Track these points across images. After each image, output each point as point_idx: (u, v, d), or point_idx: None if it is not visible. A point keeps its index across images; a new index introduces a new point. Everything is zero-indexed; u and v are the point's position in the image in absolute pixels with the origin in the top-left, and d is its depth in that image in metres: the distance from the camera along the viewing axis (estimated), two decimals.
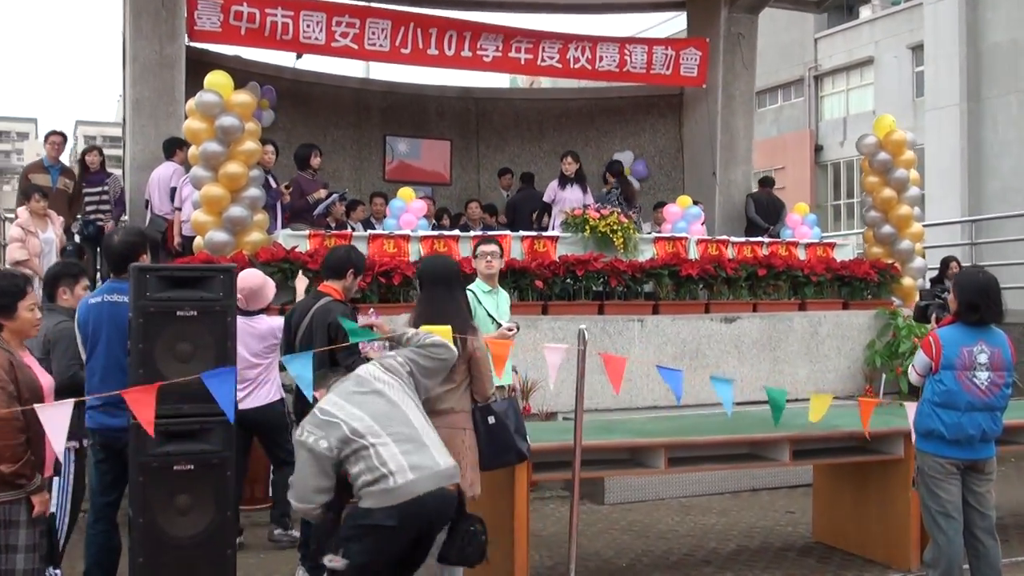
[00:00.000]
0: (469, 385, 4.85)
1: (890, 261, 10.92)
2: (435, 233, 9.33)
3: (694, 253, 10.02)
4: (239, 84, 12.77)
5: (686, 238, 10.14)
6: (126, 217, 11.06)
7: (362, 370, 4.42)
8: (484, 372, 4.85)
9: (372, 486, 4.07)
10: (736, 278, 9.81)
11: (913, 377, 5.35)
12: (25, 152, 69.02)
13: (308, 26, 11.65)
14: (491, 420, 4.82)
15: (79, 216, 10.65)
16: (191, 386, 4.57)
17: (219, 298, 4.74)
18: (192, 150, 8.77)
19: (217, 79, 8.83)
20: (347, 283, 5.66)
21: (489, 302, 6.39)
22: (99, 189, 10.56)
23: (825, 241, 11.17)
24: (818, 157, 32.35)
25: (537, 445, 5.28)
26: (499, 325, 6.16)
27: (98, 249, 10.65)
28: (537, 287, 9.01)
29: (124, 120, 11.39)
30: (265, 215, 8.97)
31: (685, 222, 10.64)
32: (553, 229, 10.40)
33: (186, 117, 8.92)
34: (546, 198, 11.29)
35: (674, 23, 27.42)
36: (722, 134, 13.34)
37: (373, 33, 12.01)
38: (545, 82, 26.35)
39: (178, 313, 4.68)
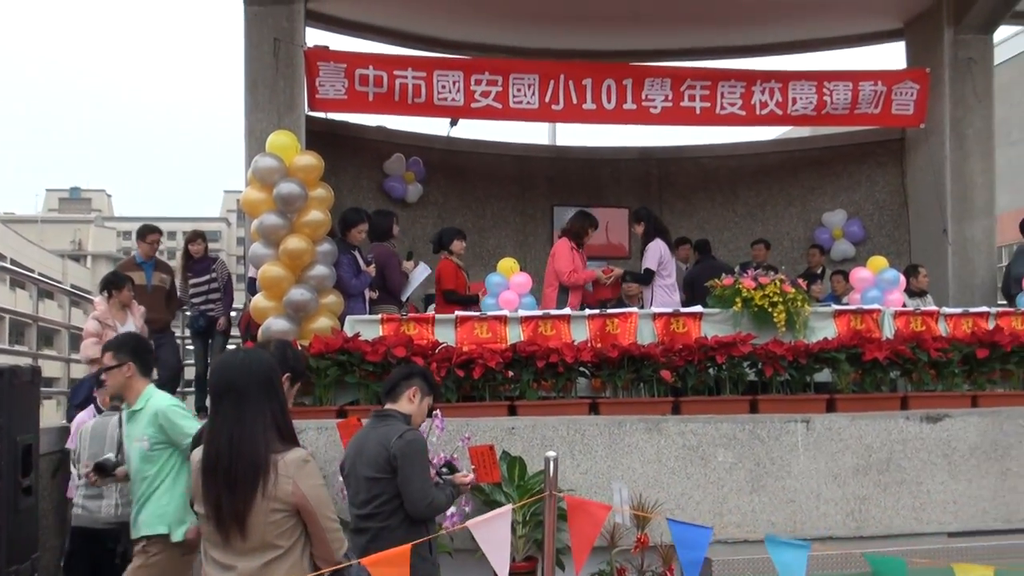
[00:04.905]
0: (307, 549, 3.07)
1: None
2: (539, 313, 7.53)
3: (890, 330, 7.68)
4: (384, 156, 11.84)
5: (879, 311, 7.80)
6: (239, 306, 10.08)
7: None
8: (326, 527, 3.06)
9: None
10: (946, 362, 7.35)
11: None
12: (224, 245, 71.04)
13: (443, 87, 10.40)
14: None
15: (185, 309, 9.71)
16: None
17: None
18: (252, 224, 7.56)
19: (280, 139, 7.63)
20: None
21: None
22: (207, 278, 9.62)
23: None
24: None
25: None
26: None
27: (209, 341, 9.70)
28: (664, 378, 7.02)
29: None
30: (337, 297, 7.58)
31: (879, 290, 8.27)
32: None
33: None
34: None
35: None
36: (952, 183, 10.78)
37: (519, 89, 10.58)
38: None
39: None
